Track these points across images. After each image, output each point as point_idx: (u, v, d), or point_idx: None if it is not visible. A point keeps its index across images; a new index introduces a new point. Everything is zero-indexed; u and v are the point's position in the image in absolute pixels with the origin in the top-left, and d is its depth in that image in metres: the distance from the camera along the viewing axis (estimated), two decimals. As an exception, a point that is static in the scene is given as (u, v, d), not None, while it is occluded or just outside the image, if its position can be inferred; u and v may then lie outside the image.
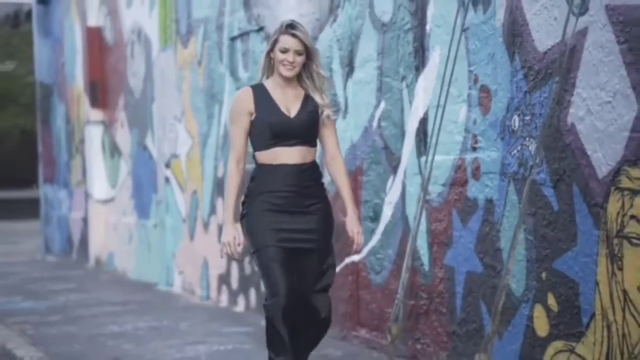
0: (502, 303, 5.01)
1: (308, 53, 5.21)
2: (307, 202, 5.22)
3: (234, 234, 5.18)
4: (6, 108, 34.06)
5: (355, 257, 7.12)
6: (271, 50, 5.22)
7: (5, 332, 8.40)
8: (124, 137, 12.64)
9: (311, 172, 5.27)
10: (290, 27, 5.18)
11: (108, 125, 13.32)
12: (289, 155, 5.18)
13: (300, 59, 5.18)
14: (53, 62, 15.82)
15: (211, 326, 8.32)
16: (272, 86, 5.24)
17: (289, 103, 5.23)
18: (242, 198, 5.29)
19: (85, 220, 14.01)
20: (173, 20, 10.72)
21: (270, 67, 5.27)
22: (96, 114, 13.51)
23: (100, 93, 13.40)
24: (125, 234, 12.49)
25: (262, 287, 5.37)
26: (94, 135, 13.62)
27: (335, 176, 5.37)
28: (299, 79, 5.27)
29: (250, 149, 5.39)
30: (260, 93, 5.22)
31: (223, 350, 7.25)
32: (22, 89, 31.43)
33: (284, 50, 5.16)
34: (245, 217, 5.24)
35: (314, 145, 5.29)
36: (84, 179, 14.05)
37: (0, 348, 7.87)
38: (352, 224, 5.31)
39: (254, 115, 5.20)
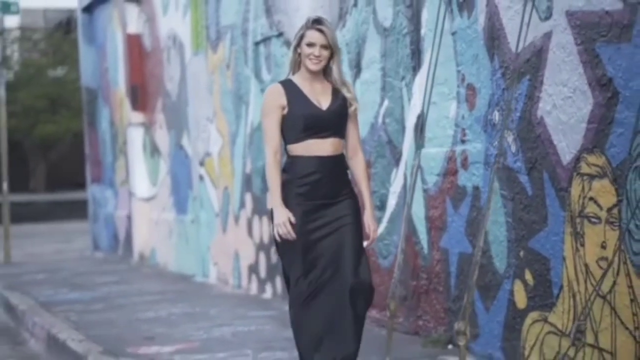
0: (475, 277, 5.60)
1: (332, 49, 5.34)
2: (338, 194, 5.34)
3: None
4: (58, 112, 35.10)
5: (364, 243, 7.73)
6: (298, 45, 5.34)
7: (51, 319, 9.12)
8: (162, 138, 13.37)
9: (341, 163, 5.40)
10: (316, 22, 5.31)
11: (148, 127, 14.05)
12: (321, 146, 5.30)
13: (326, 53, 5.29)
14: (97, 68, 16.58)
15: (238, 311, 9.00)
16: (300, 81, 5.36)
17: (318, 96, 5.35)
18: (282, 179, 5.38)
19: (129, 218, 14.76)
20: (203, 27, 11.41)
21: (297, 62, 5.39)
22: (137, 117, 14.23)
23: (140, 96, 14.11)
24: (165, 229, 13.21)
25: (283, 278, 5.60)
26: (135, 137, 14.36)
27: (356, 170, 5.51)
28: (325, 73, 5.38)
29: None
30: (290, 88, 5.34)
31: (246, 330, 7.91)
32: (72, 93, 32.29)
33: (311, 45, 5.27)
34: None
35: (343, 137, 5.41)
36: (128, 178, 14.80)
37: (46, 332, 8.61)
38: (368, 220, 5.47)
39: (286, 110, 5.31)
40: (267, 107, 5.38)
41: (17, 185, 33.81)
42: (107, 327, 8.45)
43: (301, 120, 5.28)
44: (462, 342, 5.54)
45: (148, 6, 13.74)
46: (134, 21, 14.35)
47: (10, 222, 16.50)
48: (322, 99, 5.34)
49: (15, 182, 32.47)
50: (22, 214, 30.83)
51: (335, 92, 5.37)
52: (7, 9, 16.03)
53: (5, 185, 16.07)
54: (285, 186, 5.33)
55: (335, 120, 5.34)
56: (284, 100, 5.31)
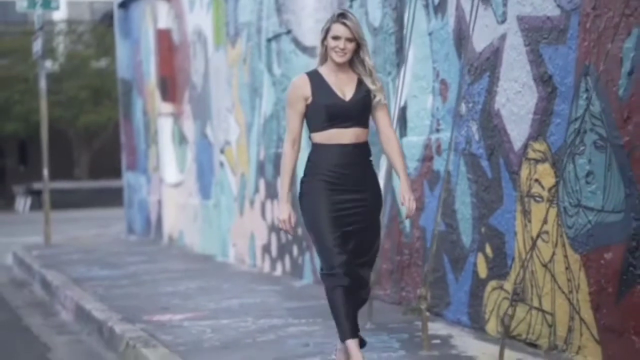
0: (434, 248, 6.38)
1: (358, 41, 5.47)
2: (361, 181, 5.48)
3: (289, 212, 5.50)
4: (101, 103, 36.21)
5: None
6: (324, 38, 5.48)
7: (81, 292, 10.01)
8: (189, 127, 14.24)
9: (364, 151, 5.51)
10: (341, 16, 5.44)
11: (177, 117, 14.93)
12: (344, 135, 5.42)
13: (351, 46, 5.42)
14: (132, 61, 17.49)
15: (249, 286, 9.85)
16: (327, 72, 5.48)
17: (343, 87, 5.46)
18: (300, 178, 5.59)
19: (160, 203, 15.67)
20: (224, 24, 12.25)
21: (324, 54, 5.51)
22: (167, 107, 15.13)
23: (169, 88, 15.00)
24: (191, 213, 14.10)
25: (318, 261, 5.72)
26: (165, 126, 15.27)
27: (390, 154, 5.59)
28: (351, 64, 5.50)
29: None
30: (315, 79, 5.47)
31: (251, 302, 8.74)
32: (114, 84, 33.24)
33: (336, 38, 5.40)
34: (303, 195, 5.53)
35: (367, 126, 5.52)
36: (158, 165, 15.70)
37: (75, 304, 9.50)
38: (404, 191, 5.54)
39: (310, 100, 5.45)
40: (291, 97, 5.54)
41: (62, 173, 35.07)
42: (129, 299, 9.32)
43: (324, 110, 5.42)
44: (423, 306, 6.33)
45: (177, 3, 14.62)
46: (164, 17, 15.23)
47: (54, 208, 17.47)
48: (347, 90, 5.47)
49: (59, 170, 33.77)
50: (65, 201, 32.01)
51: (360, 83, 5.50)
52: (47, 5, 16.94)
53: (45, 173, 17.01)
54: (309, 173, 5.51)
55: (357, 111, 5.46)
56: (307, 91, 5.46)
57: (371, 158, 5.59)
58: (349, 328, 5.45)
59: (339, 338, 5.57)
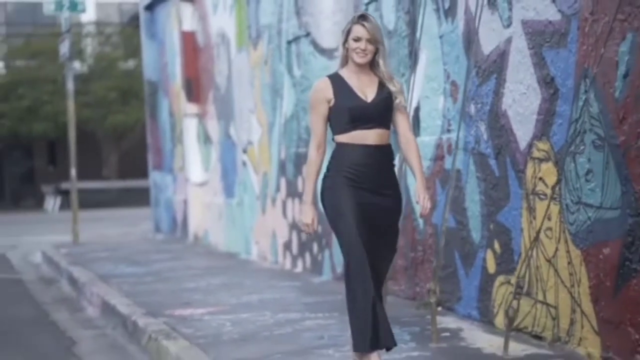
0: (443, 244, 6.62)
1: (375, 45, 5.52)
2: (383, 182, 5.51)
3: (312, 216, 5.54)
4: (128, 103, 36.60)
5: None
6: (345, 41, 5.52)
7: (107, 288, 10.32)
8: (213, 127, 14.54)
9: (387, 153, 5.54)
10: (362, 18, 5.51)
11: (201, 117, 15.23)
12: (367, 137, 5.45)
13: (371, 47, 5.46)
14: (158, 62, 17.81)
15: (269, 282, 10.13)
16: (348, 74, 5.52)
17: (364, 89, 5.49)
18: (323, 174, 5.61)
19: (185, 202, 15.98)
20: (246, 26, 12.54)
21: (345, 56, 5.55)
22: (192, 108, 15.44)
23: (194, 89, 15.30)
24: (216, 212, 14.39)
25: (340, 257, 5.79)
26: (190, 126, 15.59)
27: (408, 153, 5.61)
28: (371, 67, 5.54)
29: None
30: (337, 81, 5.50)
31: (271, 297, 9.01)
32: (142, 85, 33.57)
33: (357, 39, 5.45)
34: (325, 191, 5.54)
35: (388, 127, 5.54)
36: (184, 165, 16.01)
37: (100, 300, 9.81)
38: (420, 190, 5.54)
39: (332, 102, 5.47)
40: (314, 101, 5.56)
41: (90, 173, 35.52)
42: (153, 295, 9.61)
43: (347, 112, 5.44)
44: (432, 299, 6.57)
45: (201, 5, 14.92)
46: (189, 19, 15.53)
47: (82, 207, 17.82)
48: (368, 92, 5.49)
49: (88, 170, 34.21)
50: (94, 200, 32.51)
51: (382, 85, 5.52)
52: (74, 8, 17.29)
53: (73, 173, 17.36)
54: (332, 170, 5.52)
55: (380, 112, 5.48)
56: (330, 94, 5.48)
57: (394, 162, 5.63)
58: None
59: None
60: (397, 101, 5.55)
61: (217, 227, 14.36)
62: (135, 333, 8.04)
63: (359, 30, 5.48)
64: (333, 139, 5.58)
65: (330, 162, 5.56)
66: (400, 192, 5.67)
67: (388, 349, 5.55)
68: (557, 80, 6.13)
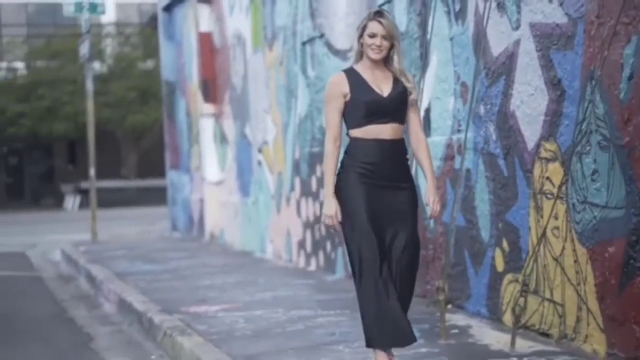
0: (452, 242, 6.74)
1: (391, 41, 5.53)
2: (398, 177, 5.52)
3: (335, 208, 5.50)
4: (147, 103, 36.82)
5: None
6: (361, 36, 5.54)
7: (123, 286, 10.48)
8: (229, 127, 14.70)
9: (401, 148, 5.56)
10: (377, 15, 5.52)
11: (218, 117, 15.39)
12: (382, 131, 5.46)
13: (386, 43, 5.48)
14: (175, 63, 17.98)
15: (283, 280, 10.27)
16: (363, 69, 5.54)
17: (380, 83, 5.51)
18: (337, 170, 5.57)
19: (202, 201, 16.14)
20: (262, 27, 12.68)
21: (360, 52, 5.57)
22: (208, 108, 15.60)
23: (211, 90, 15.46)
24: (232, 211, 14.55)
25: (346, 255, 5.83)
26: (206, 126, 15.75)
27: (419, 153, 5.66)
28: (386, 62, 5.56)
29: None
30: (352, 76, 5.52)
31: (284, 295, 9.15)
32: (160, 85, 33.82)
33: (372, 35, 5.46)
34: (338, 186, 5.53)
35: (403, 122, 5.56)
36: (200, 164, 16.17)
37: (117, 297, 9.97)
38: (430, 192, 5.61)
39: (348, 97, 5.48)
40: (330, 95, 5.57)
41: (110, 172, 35.80)
42: (168, 292, 9.77)
43: (363, 106, 5.46)
44: (441, 297, 6.69)
45: (218, 6, 15.07)
46: (206, 20, 15.69)
47: (101, 206, 17.99)
48: (384, 86, 5.51)
49: (107, 169, 34.47)
50: (113, 199, 32.75)
51: (396, 81, 5.55)
52: (94, 9, 17.49)
53: (92, 172, 17.54)
54: (346, 165, 5.52)
55: (395, 107, 5.50)
56: (346, 88, 5.50)
57: (408, 156, 5.63)
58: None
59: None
60: (411, 96, 5.60)
61: (233, 225, 14.51)
62: (150, 329, 8.19)
63: (374, 27, 5.49)
64: (347, 134, 5.61)
65: (343, 158, 5.57)
66: (414, 183, 5.69)
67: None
68: (563, 82, 6.23)
